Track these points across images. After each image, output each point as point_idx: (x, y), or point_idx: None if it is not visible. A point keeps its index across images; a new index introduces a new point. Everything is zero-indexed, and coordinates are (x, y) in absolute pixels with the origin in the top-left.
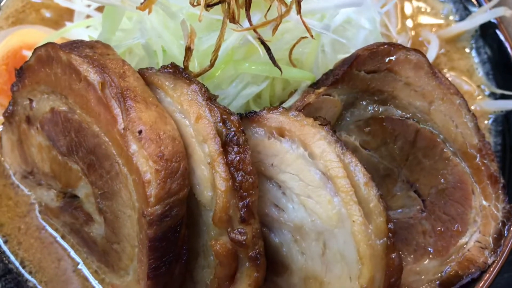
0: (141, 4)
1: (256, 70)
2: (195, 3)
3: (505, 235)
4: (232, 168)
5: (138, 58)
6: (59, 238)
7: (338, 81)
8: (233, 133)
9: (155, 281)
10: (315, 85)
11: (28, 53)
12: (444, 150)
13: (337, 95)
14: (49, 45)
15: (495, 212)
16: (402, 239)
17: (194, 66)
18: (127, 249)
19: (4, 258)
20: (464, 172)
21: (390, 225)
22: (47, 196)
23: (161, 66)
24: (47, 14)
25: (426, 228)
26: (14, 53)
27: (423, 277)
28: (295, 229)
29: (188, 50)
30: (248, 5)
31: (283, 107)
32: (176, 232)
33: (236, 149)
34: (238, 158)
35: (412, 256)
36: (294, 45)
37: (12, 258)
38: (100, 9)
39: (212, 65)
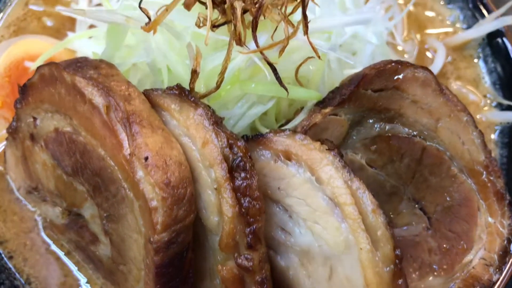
0: (146, 24)
1: (262, 90)
2: (200, 24)
3: (511, 252)
4: (238, 194)
5: (142, 73)
6: (63, 255)
7: (345, 101)
8: (239, 158)
9: None
10: (321, 103)
11: (30, 64)
12: (451, 167)
13: (343, 114)
14: (53, 65)
15: (501, 229)
16: (408, 256)
17: (200, 86)
18: (134, 271)
19: (10, 275)
20: (470, 190)
21: (397, 252)
22: (52, 212)
23: (167, 88)
24: (49, 22)
25: (432, 246)
26: (17, 64)
27: None
28: (302, 253)
29: (194, 73)
30: (254, 27)
31: (289, 130)
32: (182, 258)
33: (243, 174)
34: (245, 184)
35: (417, 273)
36: (300, 65)
37: (17, 275)
38: None
39: (218, 87)
